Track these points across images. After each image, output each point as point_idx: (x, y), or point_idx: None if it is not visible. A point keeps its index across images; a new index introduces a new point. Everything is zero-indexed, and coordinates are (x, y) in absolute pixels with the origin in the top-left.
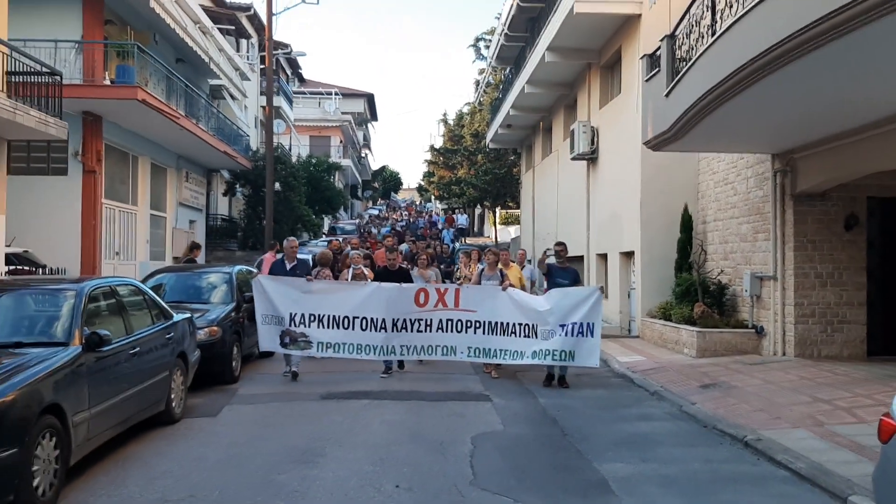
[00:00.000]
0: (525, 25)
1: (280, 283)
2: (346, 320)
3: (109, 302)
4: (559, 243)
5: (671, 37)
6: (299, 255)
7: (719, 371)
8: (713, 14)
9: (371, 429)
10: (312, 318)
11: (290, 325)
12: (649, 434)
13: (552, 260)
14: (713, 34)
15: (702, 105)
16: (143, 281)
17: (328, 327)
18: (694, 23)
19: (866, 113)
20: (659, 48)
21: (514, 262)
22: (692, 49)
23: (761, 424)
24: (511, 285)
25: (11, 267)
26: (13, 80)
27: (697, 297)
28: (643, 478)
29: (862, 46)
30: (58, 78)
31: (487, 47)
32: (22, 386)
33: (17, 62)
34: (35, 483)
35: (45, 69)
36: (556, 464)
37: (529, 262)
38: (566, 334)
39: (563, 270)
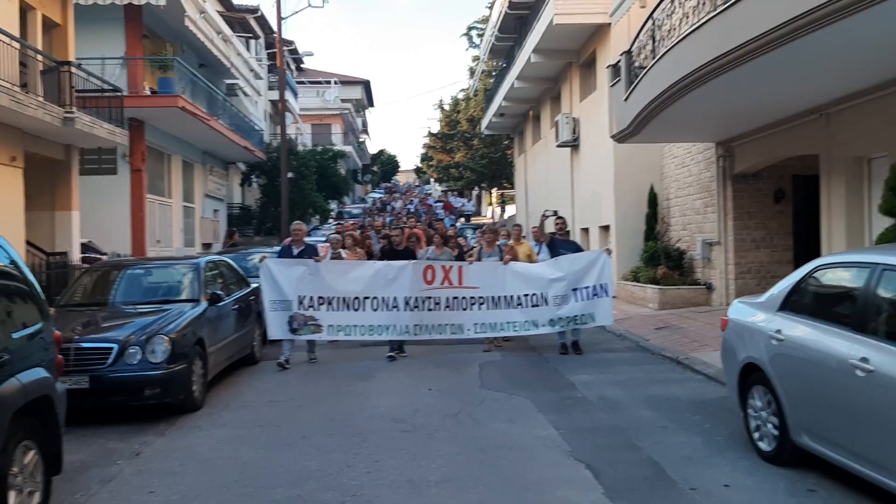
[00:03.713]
0: (514, 25)
1: (288, 266)
2: (356, 301)
3: (215, 272)
4: (559, 217)
5: (628, 53)
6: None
7: (673, 318)
8: (654, 42)
9: (405, 362)
10: (322, 300)
11: (298, 309)
12: (611, 359)
13: (550, 225)
14: (654, 57)
15: (650, 110)
16: None
17: (338, 309)
18: (641, 46)
19: (779, 112)
20: (620, 60)
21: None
22: (641, 66)
23: (692, 349)
24: (512, 259)
25: (83, 255)
26: (73, 95)
27: (661, 261)
28: (599, 381)
29: (759, 70)
30: (119, 94)
31: (480, 35)
32: (183, 326)
33: (81, 81)
34: (193, 388)
35: (108, 86)
36: (538, 376)
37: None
38: (581, 298)
39: (564, 242)
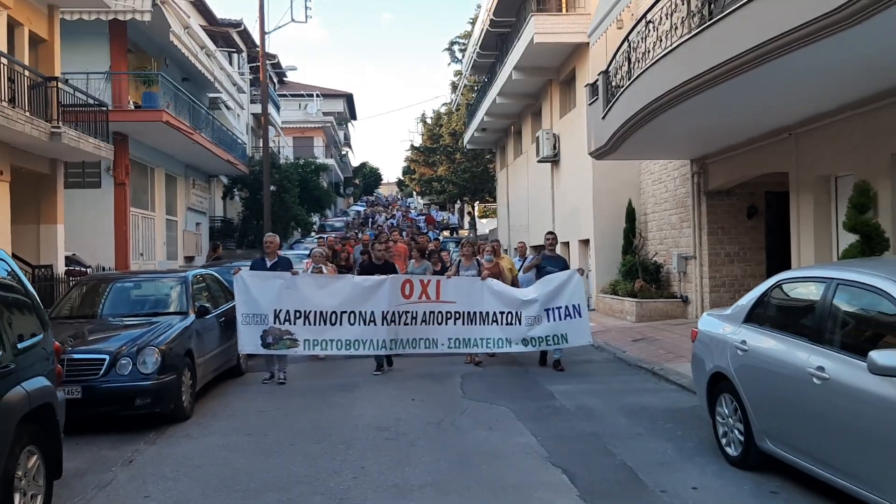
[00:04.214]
0: (495, 42)
1: (263, 279)
2: (333, 315)
3: (202, 285)
4: (549, 233)
5: (605, 73)
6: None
7: (649, 330)
8: (629, 64)
9: (389, 374)
10: (298, 314)
11: (274, 323)
12: (589, 370)
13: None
14: (629, 78)
15: (626, 128)
16: None
17: (315, 323)
18: (618, 67)
19: (750, 131)
20: (597, 80)
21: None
22: (618, 86)
23: (667, 361)
24: (490, 275)
25: (68, 268)
26: (60, 110)
27: (638, 275)
28: (578, 391)
29: (729, 92)
30: (104, 108)
31: (462, 50)
32: (172, 338)
33: (66, 95)
34: (183, 398)
35: (93, 101)
36: (519, 386)
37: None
38: (554, 319)
39: (552, 259)
